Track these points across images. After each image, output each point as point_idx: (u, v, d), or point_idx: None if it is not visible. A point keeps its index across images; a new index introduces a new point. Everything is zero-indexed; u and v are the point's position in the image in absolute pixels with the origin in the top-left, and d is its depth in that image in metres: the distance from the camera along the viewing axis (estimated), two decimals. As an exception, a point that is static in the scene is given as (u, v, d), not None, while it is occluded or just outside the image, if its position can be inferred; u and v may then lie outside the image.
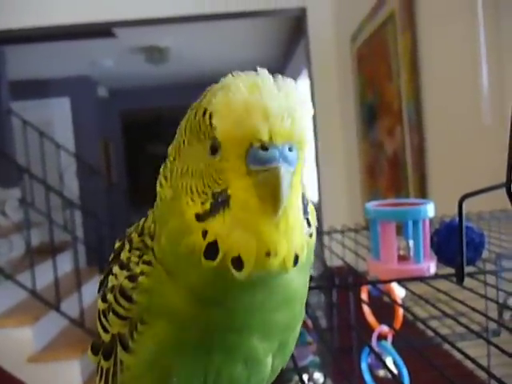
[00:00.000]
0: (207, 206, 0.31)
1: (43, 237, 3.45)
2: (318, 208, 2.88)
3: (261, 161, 0.29)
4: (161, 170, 0.37)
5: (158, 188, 0.36)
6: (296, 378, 1.11)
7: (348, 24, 2.53)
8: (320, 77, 2.92)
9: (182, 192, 0.33)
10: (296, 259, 0.31)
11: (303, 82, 3.49)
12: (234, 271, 0.30)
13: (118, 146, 5.82)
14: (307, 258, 0.34)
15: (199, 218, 0.31)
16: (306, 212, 0.33)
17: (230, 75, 0.32)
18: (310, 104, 0.32)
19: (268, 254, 0.30)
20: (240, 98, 0.30)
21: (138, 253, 0.37)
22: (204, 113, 0.31)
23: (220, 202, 0.31)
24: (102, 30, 3.29)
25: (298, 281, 0.35)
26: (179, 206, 0.33)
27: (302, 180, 0.33)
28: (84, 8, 2.90)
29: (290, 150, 0.30)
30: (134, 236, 0.38)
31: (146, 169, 7.05)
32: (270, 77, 0.31)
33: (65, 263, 3.24)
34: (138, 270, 0.36)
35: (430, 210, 0.70)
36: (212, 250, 0.31)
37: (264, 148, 0.29)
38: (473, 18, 1.26)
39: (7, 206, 3.36)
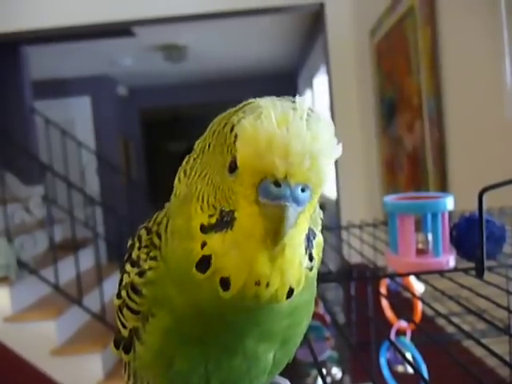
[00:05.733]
0: (213, 220, 0.32)
1: (65, 233, 3.52)
2: (337, 203, 2.87)
3: (271, 195, 0.29)
4: (184, 162, 0.37)
5: (176, 181, 0.36)
6: (314, 372, 1.11)
7: (367, 18, 2.50)
8: (338, 72, 2.90)
9: (194, 195, 0.34)
10: (290, 292, 0.32)
11: (321, 78, 3.47)
12: (220, 289, 0.31)
13: (137, 143, 5.89)
14: (311, 278, 0.35)
15: (203, 229, 0.32)
16: (310, 247, 0.33)
17: (269, 98, 0.32)
18: (338, 147, 0.32)
19: (257, 284, 0.31)
20: (266, 129, 0.29)
21: (146, 250, 0.38)
22: (232, 129, 0.31)
23: (225, 222, 0.31)
24: (121, 29, 3.33)
25: (299, 299, 0.35)
26: (188, 209, 0.33)
27: (311, 217, 0.33)
28: (103, 8, 2.94)
29: (303, 190, 0.30)
30: (143, 233, 0.40)
31: (165, 166, 7.12)
32: (305, 110, 0.30)
33: (86, 259, 3.30)
34: (146, 266, 0.37)
35: (449, 202, 0.69)
36: (204, 263, 0.32)
37: (277, 184, 0.29)
38: (495, 11, 1.23)
39: (31, 202, 3.44)
